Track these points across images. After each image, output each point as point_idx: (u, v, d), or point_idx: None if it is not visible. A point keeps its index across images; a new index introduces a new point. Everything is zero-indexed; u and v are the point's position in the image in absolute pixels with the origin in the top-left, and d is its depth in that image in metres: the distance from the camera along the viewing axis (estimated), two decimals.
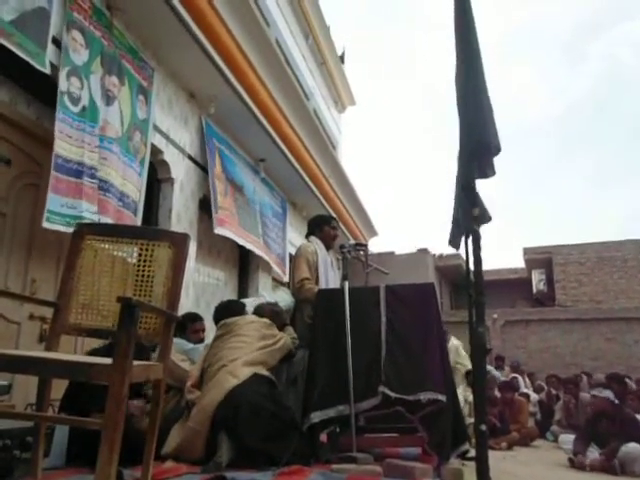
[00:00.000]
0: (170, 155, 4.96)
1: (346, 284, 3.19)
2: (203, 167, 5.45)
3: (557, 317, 14.25)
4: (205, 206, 5.45)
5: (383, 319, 3.09)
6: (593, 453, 5.08)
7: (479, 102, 2.33)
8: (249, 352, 3.08)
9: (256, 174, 6.82)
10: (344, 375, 2.93)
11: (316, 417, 2.96)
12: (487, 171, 2.26)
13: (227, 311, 3.53)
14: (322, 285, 3.66)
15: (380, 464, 2.64)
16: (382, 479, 2.43)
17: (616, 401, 5.51)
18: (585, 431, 5.43)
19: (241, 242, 5.90)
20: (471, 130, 2.26)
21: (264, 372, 3.04)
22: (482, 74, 2.38)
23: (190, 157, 5.29)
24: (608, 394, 5.50)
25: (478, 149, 2.21)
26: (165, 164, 4.93)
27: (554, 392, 8.64)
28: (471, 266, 2.34)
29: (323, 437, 3.17)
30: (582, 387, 8.30)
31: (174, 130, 5.03)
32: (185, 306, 4.77)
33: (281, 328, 3.47)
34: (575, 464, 5.01)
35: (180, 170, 5.11)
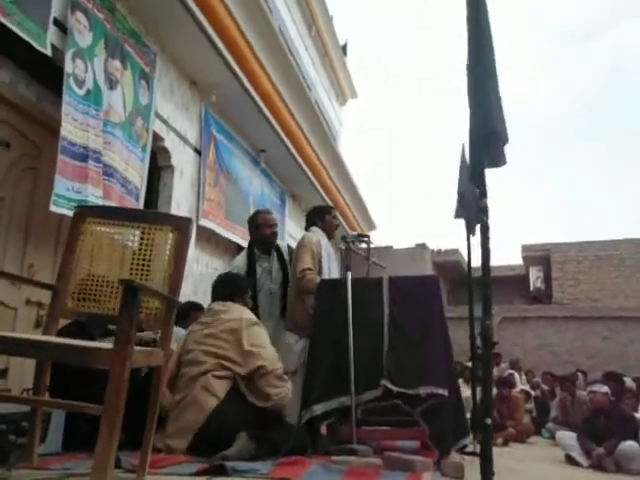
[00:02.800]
0: (171, 142, 4.91)
1: (349, 275, 3.15)
2: None
3: (554, 315, 14.23)
4: None
5: (386, 311, 3.05)
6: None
7: (489, 92, 2.30)
8: (220, 366, 2.78)
9: (256, 165, 6.77)
10: (346, 367, 2.90)
11: (318, 409, 2.94)
12: (497, 160, 2.24)
13: (224, 288, 3.19)
14: (325, 276, 3.61)
15: (379, 456, 2.62)
16: (383, 471, 2.41)
17: (612, 398, 5.50)
18: (584, 428, 5.42)
19: (226, 234, 5.86)
20: (481, 119, 2.22)
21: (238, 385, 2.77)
22: (493, 63, 2.34)
23: (191, 145, 5.24)
24: (606, 390, 5.49)
25: (488, 138, 2.18)
26: (166, 151, 4.88)
27: (547, 389, 8.66)
28: (478, 260, 2.31)
29: (322, 428, 3.15)
30: (578, 385, 8.29)
31: (175, 117, 4.98)
32: (184, 294, 4.72)
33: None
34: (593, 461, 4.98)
35: (180, 157, 5.06)
